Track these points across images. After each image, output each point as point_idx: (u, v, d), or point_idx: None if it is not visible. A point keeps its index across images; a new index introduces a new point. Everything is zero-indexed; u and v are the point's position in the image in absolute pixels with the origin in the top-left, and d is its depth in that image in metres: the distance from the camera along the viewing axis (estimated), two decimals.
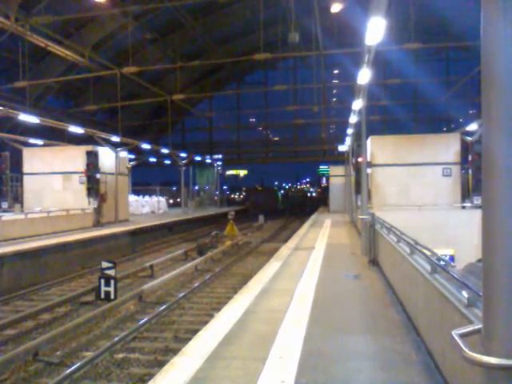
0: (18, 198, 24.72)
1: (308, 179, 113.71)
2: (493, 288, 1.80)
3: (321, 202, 53.60)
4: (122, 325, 9.35)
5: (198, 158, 41.84)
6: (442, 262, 5.06)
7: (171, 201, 44.47)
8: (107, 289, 10.49)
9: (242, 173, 70.63)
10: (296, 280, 8.92)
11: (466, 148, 19.27)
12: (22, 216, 18.29)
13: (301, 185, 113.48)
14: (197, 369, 4.55)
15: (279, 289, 8.27)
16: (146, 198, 36.30)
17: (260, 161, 51.21)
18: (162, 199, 37.39)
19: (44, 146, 24.84)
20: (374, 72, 11.52)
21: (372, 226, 11.21)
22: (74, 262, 16.12)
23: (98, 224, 21.95)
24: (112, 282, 10.45)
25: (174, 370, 4.53)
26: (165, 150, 34.46)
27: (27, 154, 23.63)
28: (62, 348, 7.93)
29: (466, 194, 19.52)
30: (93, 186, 22.16)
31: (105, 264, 10.53)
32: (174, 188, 50.07)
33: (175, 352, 6.40)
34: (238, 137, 49.80)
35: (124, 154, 26.10)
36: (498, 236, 1.79)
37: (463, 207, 18.53)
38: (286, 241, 18.12)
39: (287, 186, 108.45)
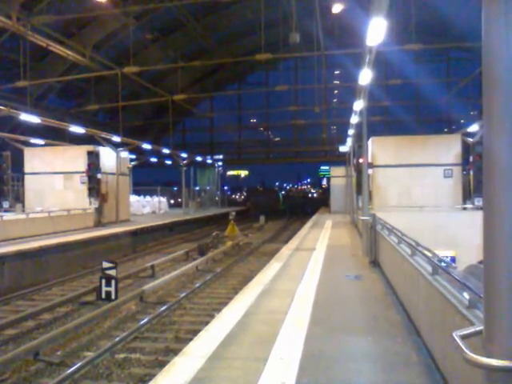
0: (19, 198, 24.74)
1: (309, 180, 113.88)
2: (494, 289, 1.80)
3: (322, 202, 53.55)
4: (123, 325, 9.36)
5: (198, 159, 41.84)
6: (443, 264, 5.06)
7: (172, 201, 44.48)
8: (108, 289, 10.50)
9: (243, 173, 70.73)
10: (297, 281, 8.92)
11: (467, 149, 19.26)
12: (23, 216, 18.30)
13: (302, 185, 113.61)
14: (198, 369, 4.55)
15: (280, 289, 8.26)
16: (147, 198, 36.31)
17: (261, 161, 51.25)
18: (163, 199, 37.38)
19: (45, 145, 24.86)
20: (375, 73, 11.52)
21: (373, 227, 11.20)
22: (75, 262, 16.13)
23: (99, 224, 21.96)
24: (113, 282, 10.45)
25: (175, 371, 4.53)
26: (166, 150, 34.46)
27: (28, 154, 23.65)
28: (63, 348, 7.93)
29: (467, 196, 19.50)
30: (94, 185, 22.18)
31: (106, 264, 10.54)
32: (175, 188, 50.07)
33: (176, 352, 6.40)
34: (239, 137, 49.83)
35: (125, 154, 26.11)
36: (499, 237, 1.79)
37: (464, 208, 18.51)
38: (286, 241, 18.10)
39: (288, 187, 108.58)
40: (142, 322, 9.20)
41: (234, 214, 24.32)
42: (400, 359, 4.89)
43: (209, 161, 45.71)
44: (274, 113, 47.81)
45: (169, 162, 43.37)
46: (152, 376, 5.36)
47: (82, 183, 22.39)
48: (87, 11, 25.53)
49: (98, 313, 9.34)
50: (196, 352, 5.06)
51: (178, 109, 40.39)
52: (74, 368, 6.79)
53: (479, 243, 2.01)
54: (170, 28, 34.50)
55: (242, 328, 5.93)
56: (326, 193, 62.09)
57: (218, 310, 8.34)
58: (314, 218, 29.91)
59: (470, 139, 19.23)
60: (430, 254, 5.76)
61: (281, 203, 64.35)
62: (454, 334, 1.99)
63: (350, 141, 26.34)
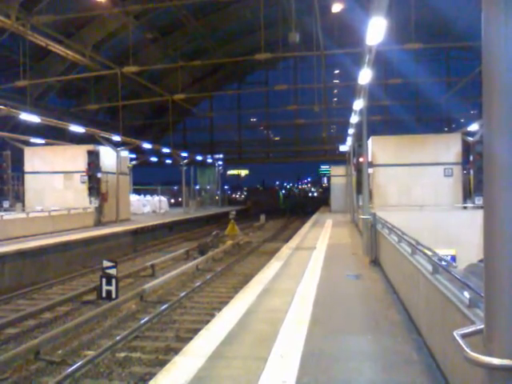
0: (19, 197, 24.77)
1: (309, 179, 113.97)
2: (494, 288, 1.80)
3: (322, 201, 53.56)
4: (124, 324, 9.37)
5: (199, 158, 41.86)
6: (443, 263, 5.06)
7: (172, 200, 44.47)
8: (108, 288, 10.50)
9: (243, 172, 70.71)
10: (297, 280, 8.92)
11: (467, 148, 19.27)
12: (23, 215, 18.31)
13: (302, 185, 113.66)
14: (198, 368, 4.55)
15: (280, 288, 8.27)
16: (148, 197, 36.32)
17: (261, 160, 51.23)
18: (164, 199, 37.38)
19: (45, 145, 24.87)
20: (374, 72, 11.51)
21: (373, 226, 11.21)
22: (76, 261, 16.14)
23: (99, 223, 21.97)
24: (113, 281, 10.45)
25: (176, 369, 4.54)
26: (166, 150, 34.46)
27: (28, 153, 23.65)
28: (64, 347, 7.94)
29: (467, 195, 19.51)
30: (94, 185, 22.18)
31: (106, 263, 10.54)
32: (176, 187, 50.07)
33: (176, 351, 6.41)
34: (239, 136, 49.81)
35: (125, 153, 26.11)
36: (499, 236, 1.79)
37: (465, 207, 18.52)
38: (287, 240, 18.12)
39: (288, 186, 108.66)
40: (142, 321, 9.20)
41: (234, 213, 24.32)
42: (400, 358, 4.89)
43: (209, 160, 45.72)
44: (274, 112, 47.78)
45: (169, 162, 43.37)
46: (152, 375, 5.37)
47: (82, 182, 22.39)
48: (87, 11, 25.50)
49: (98, 312, 9.36)
50: (196, 351, 5.06)
51: (178, 108, 40.37)
52: (74, 367, 6.80)
53: (479, 242, 2.01)
54: (169, 27, 34.47)
55: (243, 327, 5.94)
56: (326, 192, 62.12)
57: (219, 309, 8.36)
58: (315, 217, 29.91)
59: (470, 138, 19.24)
60: (430, 253, 5.76)
61: (281, 202, 64.39)
62: (454, 333, 1.99)
63: (349, 140, 26.34)
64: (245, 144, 49.85)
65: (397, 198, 18.39)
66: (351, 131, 23.42)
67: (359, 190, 17.67)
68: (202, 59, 33.03)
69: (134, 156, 33.82)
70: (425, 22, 32.33)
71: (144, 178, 50.32)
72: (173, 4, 27.71)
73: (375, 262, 10.84)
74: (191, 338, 5.84)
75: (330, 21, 30.71)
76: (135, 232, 21.26)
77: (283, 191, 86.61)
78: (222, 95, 48.87)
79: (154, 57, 35.99)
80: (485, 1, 1.83)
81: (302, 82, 44.28)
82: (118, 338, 8.17)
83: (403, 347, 5.21)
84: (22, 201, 23.52)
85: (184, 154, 36.46)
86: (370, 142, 18.13)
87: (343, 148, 31.24)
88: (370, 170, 17.41)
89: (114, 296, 10.45)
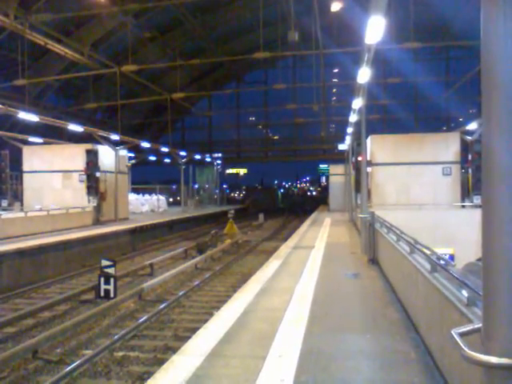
0: (17, 196, 24.74)
1: (308, 178, 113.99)
2: (493, 287, 1.80)
3: (321, 200, 53.60)
4: (122, 323, 9.36)
5: (197, 157, 41.84)
6: (441, 261, 5.06)
7: (171, 199, 44.48)
8: (107, 287, 10.49)
9: (242, 171, 70.63)
10: (296, 279, 8.93)
11: (465, 147, 19.28)
12: (21, 214, 18.28)
13: (301, 183, 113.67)
14: (196, 367, 4.55)
15: (279, 288, 8.27)
16: (146, 196, 36.29)
17: (260, 159, 51.22)
18: (162, 198, 37.36)
19: (44, 144, 24.83)
20: (373, 71, 11.51)
21: (372, 225, 11.21)
22: (74, 260, 16.13)
23: (97, 222, 21.95)
24: (112, 280, 10.44)
25: (174, 368, 4.53)
26: (164, 149, 34.43)
27: (27, 153, 23.62)
28: (62, 346, 7.94)
29: (465, 193, 19.53)
30: (92, 184, 22.17)
31: (104, 262, 10.53)
32: (174, 186, 50.07)
33: (175, 350, 6.41)
34: (237, 135, 49.81)
35: (124, 152, 26.08)
36: (497, 235, 1.79)
37: (463, 206, 18.54)
38: (285, 239, 18.13)
39: (287, 185, 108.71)
40: (140, 320, 9.20)
41: (233, 212, 24.30)
42: (398, 357, 4.89)
43: (208, 159, 45.70)
44: (273, 111, 47.81)
45: (168, 161, 43.33)
46: (151, 374, 5.37)
47: (81, 181, 22.37)
48: (85, 9, 25.44)
49: (96, 311, 9.35)
50: (195, 350, 5.06)
51: (176, 107, 40.35)
52: (72, 366, 6.79)
53: (478, 241, 2.01)
54: (168, 26, 34.44)
55: (241, 326, 5.94)
56: (324, 191, 62.15)
57: (217, 308, 8.35)
58: (313, 215, 29.93)
59: (469, 137, 19.25)
60: (428, 252, 5.76)
61: (280, 201, 64.42)
62: (452, 332, 1.99)
63: (348, 139, 26.36)
64: (243, 143, 49.85)
65: (395, 197, 18.41)
66: (350, 130, 23.44)
67: (358, 189, 17.70)
68: (200, 58, 33.07)
69: (132, 155, 33.79)
70: (424, 21, 32.32)
71: (143, 177, 50.35)
72: (171, 3, 27.67)
73: (373, 261, 10.85)
74: (189, 337, 5.84)
75: (329, 20, 30.73)
76: (134, 231, 21.25)
77: (282, 190, 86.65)
78: (220, 94, 48.87)
79: (153, 56, 35.94)
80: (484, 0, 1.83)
81: (301, 80, 44.29)
82: (116, 337, 8.17)
83: (401, 346, 5.21)
84: (21, 200, 23.50)
85: (182, 153, 36.43)
86: (368, 140, 18.13)
87: (342, 147, 31.29)
88: (369, 169, 17.42)
89: (112, 295, 10.44)
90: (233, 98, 48.49)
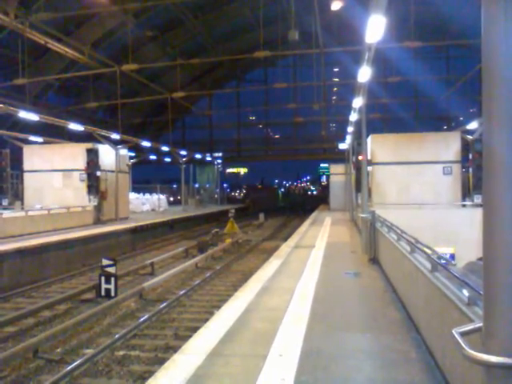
0: (18, 196, 24.73)
1: (308, 177, 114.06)
2: (493, 286, 1.80)
3: (321, 200, 53.59)
4: (123, 322, 9.37)
5: (198, 156, 41.84)
6: (442, 261, 5.06)
7: (171, 198, 44.48)
8: (108, 286, 10.50)
9: (242, 171, 70.68)
10: (296, 278, 8.92)
11: (466, 146, 19.26)
12: (22, 213, 18.28)
13: (301, 183, 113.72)
14: (197, 366, 4.55)
15: (279, 287, 8.27)
16: (147, 195, 36.30)
17: (260, 159, 51.22)
18: (163, 197, 37.37)
19: (44, 143, 24.82)
20: (374, 70, 11.50)
21: (372, 225, 11.21)
22: (75, 259, 16.13)
23: (98, 221, 21.96)
24: (112, 279, 10.45)
25: (175, 368, 4.53)
26: (165, 148, 34.44)
27: (27, 152, 23.62)
28: (63, 345, 7.94)
29: (466, 193, 19.51)
30: (93, 183, 22.17)
31: (105, 261, 10.54)
32: (175, 186, 50.08)
33: (175, 349, 6.41)
34: (238, 135, 49.79)
35: (124, 151, 26.06)
36: (498, 234, 1.79)
37: (464, 205, 18.52)
38: (286, 239, 18.12)
39: (287, 184, 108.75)
40: (141, 320, 9.21)
41: (233, 211, 24.30)
42: (399, 356, 4.89)
43: (208, 158, 45.71)
44: (273, 110, 47.78)
45: (168, 160, 43.33)
46: (152, 373, 5.37)
47: (82, 181, 22.37)
48: (85, 8, 25.45)
49: (97, 310, 9.36)
50: (195, 349, 5.06)
51: (177, 106, 40.35)
52: (73, 365, 6.79)
53: (478, 240, 2.01)
54: (168, 25, 34.43)
55: (242, 325, 5.94)
56: (325, 190, 62.15)
57: (218, 308, 8.35)
58: (314, 215, 29.92)
59: (470, 136, 19.23)
60: (429, 251, 5.76)
61: (280, 200, 64.44)
62: (453, 331, 1.99)
63: (349, 138, 26.35)
64: (244, 142, 49.83)
65: (396, 196, 18.39)
66: (350, 129, 23.41)
67: (358, 188, 17.69)
68: (200, 57, 33.07)
69: (133, 154, 33.80)
70: (424, 19, 32.28)
71: (143, 177, 50.37)
72: (172, 2, 27.67)
73: (374, 260, 10.84)
74: (190, 336, 5.85)
75: (330, 19, 30.73)
76: (134, 230, 21.25)
77: (282, 189, 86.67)
78: (220, 93, 48.87)
79: (153, 55, 35.94)
80: None
81: (302, 80, 44.28)
82: (117, 336, 8.18)
83: (402, 345, 5.21)
84: (21, 199, 23.50)
85: (183, 152, 36.43)
86: (369, 140, 18.12)
87: (342, 146, 31.27)
88: (369, 168, 17.41)
89: (113, 294, 10.45)
90: (233, 97, 48.50)
